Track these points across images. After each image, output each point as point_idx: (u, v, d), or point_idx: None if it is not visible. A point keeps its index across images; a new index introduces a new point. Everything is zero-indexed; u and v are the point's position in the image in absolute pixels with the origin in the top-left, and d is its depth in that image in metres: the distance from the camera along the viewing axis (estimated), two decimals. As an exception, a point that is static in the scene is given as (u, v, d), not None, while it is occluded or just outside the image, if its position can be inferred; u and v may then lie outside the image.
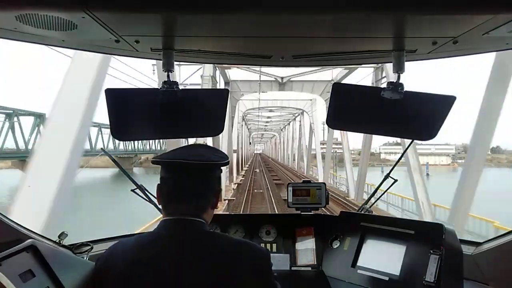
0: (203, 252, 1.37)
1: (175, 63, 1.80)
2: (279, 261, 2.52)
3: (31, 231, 1.80)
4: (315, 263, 2.50)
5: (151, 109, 1.90)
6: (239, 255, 1.39)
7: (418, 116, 1.94)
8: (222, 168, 1.54)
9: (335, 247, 2.49)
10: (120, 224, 14.86)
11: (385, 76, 19.25)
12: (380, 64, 18.65)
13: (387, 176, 2.61)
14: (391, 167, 2.69)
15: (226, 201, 20.77)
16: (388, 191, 2.69)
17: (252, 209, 20.72)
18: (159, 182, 1.49)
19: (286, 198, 2.65)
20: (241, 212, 17.65)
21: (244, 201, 23.51)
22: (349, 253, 2.38)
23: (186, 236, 1.40)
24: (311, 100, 35.60)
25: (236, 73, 27.42)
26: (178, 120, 1.98)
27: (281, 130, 77.02)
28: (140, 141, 49.47)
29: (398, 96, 1.79)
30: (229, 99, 2.03)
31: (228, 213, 15.04)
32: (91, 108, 6.71)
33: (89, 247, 2.05)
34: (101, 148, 2.42)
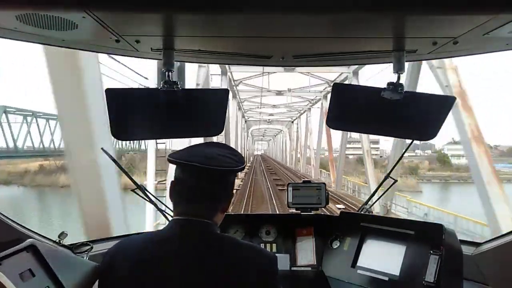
0: (210, 254, 1.37)
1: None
2: (279, 261, 2.50)
3: (31, 230, 1.80)
4: (315, 263, 2.50)
5: (151, 109, 1.90)
6: (246, 259, 1.39)
7: (418, 116, 1.94)
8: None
9: (335, 247, 2.49)
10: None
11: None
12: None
13: (387, 176, 2.61)
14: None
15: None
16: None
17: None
18: (173, 179, 1.47)
19: (286, 198, 2.65)
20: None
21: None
22: (349, 253, 2.38)
23: (195, 237, 1.40)
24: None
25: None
26: (178, 119, 1.97)
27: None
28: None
29: (398, 97, 1.79)
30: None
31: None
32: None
33: (89, 246, 2.05)
34: (102, 148, 2.41)
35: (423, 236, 2.09)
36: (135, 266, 1.37)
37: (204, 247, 1.38)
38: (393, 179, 2.57)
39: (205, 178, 1.43)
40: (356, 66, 23.29)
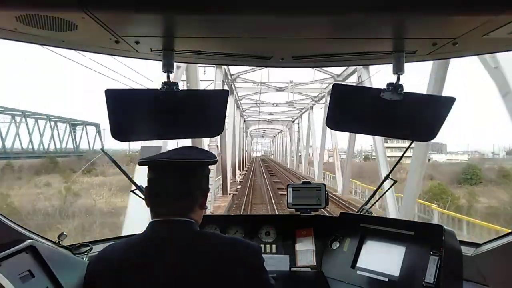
0: (192, 251, 1.37)
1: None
2: (279, 262, 2.52)
3: (31, 231, 1.80)
4: (315, 264, 2.50)
5: (151, 109, 1.90)
6: (228, 253, 1.39)
7: (418, 117, 1.94)
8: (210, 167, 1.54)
9: (334, 248, 2.48)
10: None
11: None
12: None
13: (387, 177, 2.61)
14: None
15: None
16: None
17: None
18: (146, 185, 1.48)
19: (286, 199, 2.65)
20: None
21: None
22: (348, 254, 2.38)
23: (174, 237, 1.40)
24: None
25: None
26: (178, 120, 1.97)
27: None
28: None
29: (398, 97, 1.79)
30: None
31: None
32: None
33: (89, 247, 2.05)
34: (101, 149, 2.41)
35: (423, 237, 2.09)
36: (119, 273, 1.36)
37: (186, 246, 1.38)
38: (393, 179, 2.58)
39: (177, 175, 1.43)
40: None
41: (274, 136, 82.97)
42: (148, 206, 1.47)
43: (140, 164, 1.46)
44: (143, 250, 1.39)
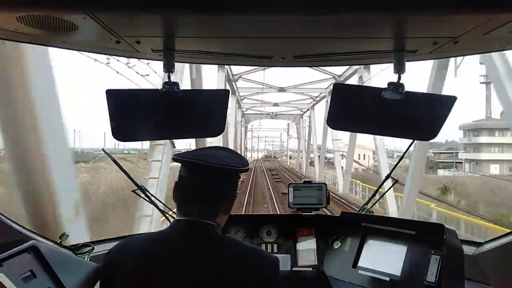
0: (212, 256, 1.37)
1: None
2: (280, 262, 2.52)
3: (33, 232, 1.81)
4: (316, 263, 2.50)
5: (151, 109, 1.90)
6: (246, 261, 1.39)
7: (419, 116, 1.94)
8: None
9: (336, 247, 2.49)
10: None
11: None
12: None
13: (388, 176, 2.61)
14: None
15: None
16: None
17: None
18: (177, 180, 1.48)
19: (287, 198, 2.65)
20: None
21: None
22: (350, 253, 2.38)
23: (197, 239, 1.40)
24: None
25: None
26: (179, 120, 1.98)
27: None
28: None
29: (399, 97, 1.79)
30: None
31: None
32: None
33: (90, 247, 2.06)
34: (102, 149, 2.41)
35: (424, 236, 2.09)
36: (137, 264, 1.37)
37: (206, 248, 1.38)
38: (394, 179, 2.58)
39: (210, 178, 1.43)
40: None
41: (301, 116, 48.55)
42: (175, 202, 1.48)
43: (174, 160, 1.46)
44: (163, 247, 1.39)
